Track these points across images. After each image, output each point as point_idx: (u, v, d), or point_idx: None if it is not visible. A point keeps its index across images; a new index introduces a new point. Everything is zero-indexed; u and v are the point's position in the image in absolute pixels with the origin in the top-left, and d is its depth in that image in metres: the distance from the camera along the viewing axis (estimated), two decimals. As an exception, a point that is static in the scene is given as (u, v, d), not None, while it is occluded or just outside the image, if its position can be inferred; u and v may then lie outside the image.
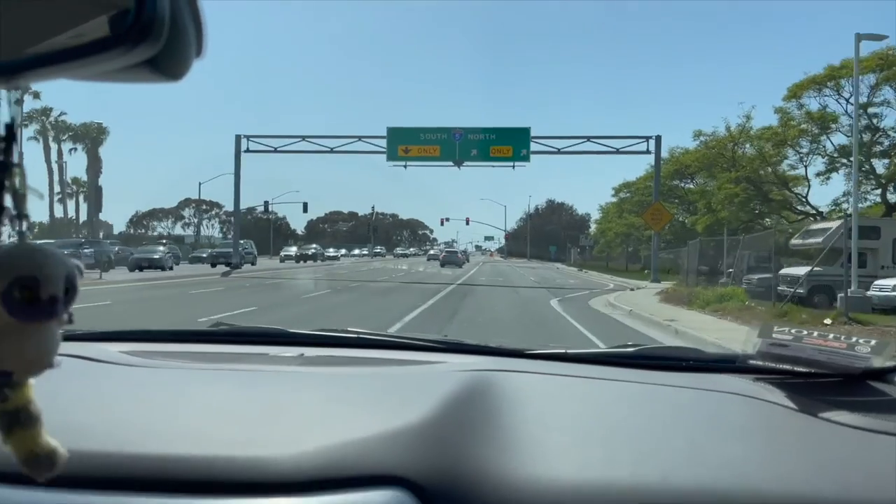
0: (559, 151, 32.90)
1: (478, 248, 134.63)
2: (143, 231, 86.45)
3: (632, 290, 24.82)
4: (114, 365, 1.32)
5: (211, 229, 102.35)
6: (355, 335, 1.59)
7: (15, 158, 0.54)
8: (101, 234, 60.92)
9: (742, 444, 0.97)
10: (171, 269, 31.24)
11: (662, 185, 39.58)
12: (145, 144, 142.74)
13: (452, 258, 51.45)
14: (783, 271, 19.71)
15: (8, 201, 0.55)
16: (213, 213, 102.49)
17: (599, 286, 28.47)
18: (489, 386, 1.16)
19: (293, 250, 57.55)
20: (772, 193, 29.45)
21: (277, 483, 0.79)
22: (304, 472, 0.81)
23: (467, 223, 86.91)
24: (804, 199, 29.42)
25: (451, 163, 32.40)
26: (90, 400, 1.08)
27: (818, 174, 28.09)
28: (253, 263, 40.91)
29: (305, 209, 65.08)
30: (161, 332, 1.69)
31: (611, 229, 50.73)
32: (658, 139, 31.63)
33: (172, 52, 0.47)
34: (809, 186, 29.20)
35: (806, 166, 28.49)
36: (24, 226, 0.55)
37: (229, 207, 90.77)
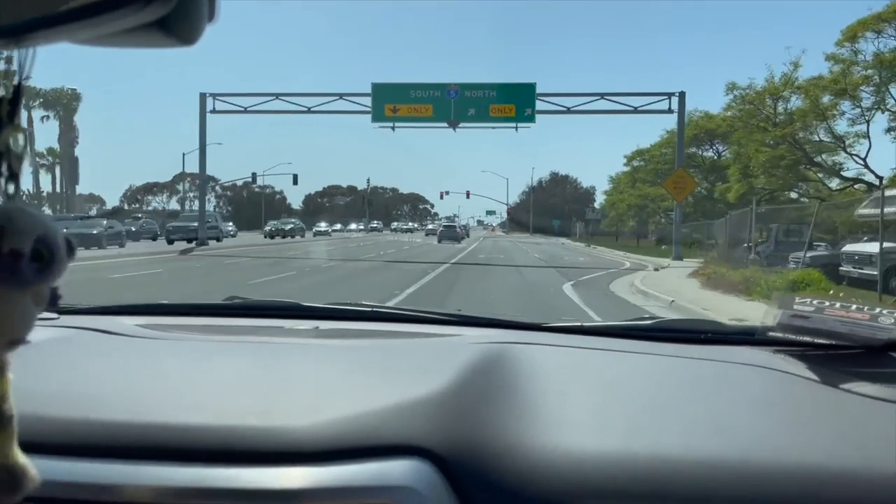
0: (569, 110, 28.90)
1: (479, 222, 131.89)
2: (137, 205, 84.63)
3: (656, 269, 21.08)
4: (129, 337, 1.32)
5: (207, 203, 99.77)
6: (370, 308, 1.60)
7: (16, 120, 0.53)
8: (77, 209, 57.15)
9: (762, 415, 0.98)
10: (121, 246, 27.43)
11: (675, 155, 36.07)
12: (136, 115, 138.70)
13: (450, 233, 47.93)
14: (848, 248, 16.23)
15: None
16: (209, 186, 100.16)
17: (615, 265, 24.75)
18: (506, 358, 1.14)
19: (276, 224, 53.15)
20: (819, 156, 25.18)
21: (295, 452, 0.78)
22: (321, 441, 0.80)
23: (468, 196, 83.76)
24: (863, 162, 25.10)
25: (444, 124, 28.51)
26: (107, 371, 1.08)
27: (889, 130, 23.62)
28: (218, 240, 36.33)
29: (295, 181, 60.74)
30: (175, 306, 1.66)
31: (623, 201, 46.45)
32: (682, 96, 27.61)
33: (185, 13, 0.45)
34: (871, 146, 24.81)
35: (868, 121, 24.09)
36: (13, 188, 0.54)
37: (224, 180, 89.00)
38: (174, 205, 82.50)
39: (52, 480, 0.70)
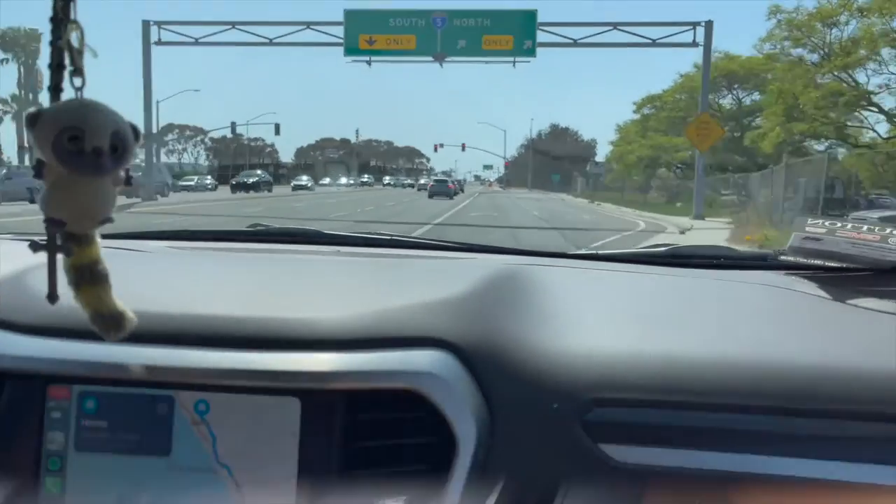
0: (575, 43, 24.61)
1: (477, 177, 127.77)
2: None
3: (682, 232, 17.28)
4: (162, 254, 1.40)
5: (196, 156, 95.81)
6: (388, 237, 1.67)
7: (73, 16, 0.58)
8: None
9: (773, 325, 1.02)
10: (32, 202, 23.47)
11: (691, 101, 32.11)
12: (115, 58, 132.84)
13: (441, 188, 43.77)
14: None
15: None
16: (199, 138, 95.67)
17: (627, 225, 20.99)
18: (524, 274, 1.18)
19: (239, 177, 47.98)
20: (879, 94, 21.00)
21: (325, 340, 0.85)
22: (351, 331, 0.87)
23: (463, 149, 79.42)
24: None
25: (430, 58, 24.29)
26: (145, 274, 1.15)
27: None
28: (164, 194, 32.18)
29: (277, 131, 56.86)
30: (200, 232, 1.71)
31: (632, 152, 42.11)
32: (709, 25, 23.27)
33: None
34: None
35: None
36: (80, 82, 0.59)
37: (214, 131, 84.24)
38: (163, 158, 78.17)
39: (103, 362, 0.81)
